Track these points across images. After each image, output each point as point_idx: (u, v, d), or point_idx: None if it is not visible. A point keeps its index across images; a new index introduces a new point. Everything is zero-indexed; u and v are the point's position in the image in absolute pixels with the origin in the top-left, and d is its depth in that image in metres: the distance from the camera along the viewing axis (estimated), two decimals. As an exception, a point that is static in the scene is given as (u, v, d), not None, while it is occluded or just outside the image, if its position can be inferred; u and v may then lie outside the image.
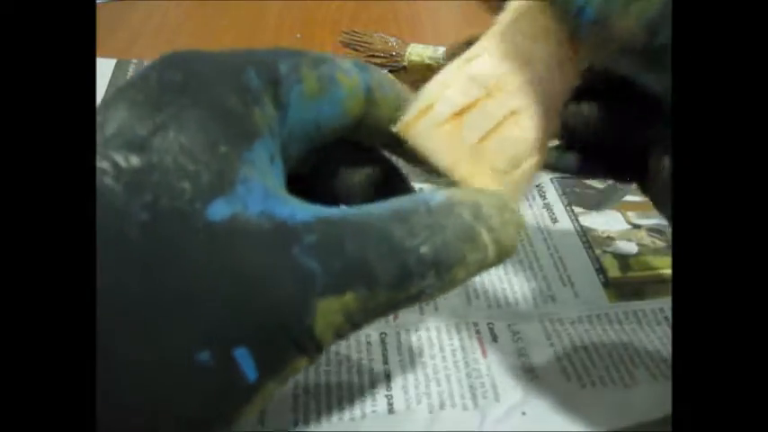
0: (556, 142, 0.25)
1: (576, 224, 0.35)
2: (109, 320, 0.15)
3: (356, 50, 0.42)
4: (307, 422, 0.26)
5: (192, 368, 0.16)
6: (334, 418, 0.26)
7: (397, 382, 0.27)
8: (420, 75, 0.38)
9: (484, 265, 0.18)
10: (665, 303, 0.30)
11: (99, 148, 0.16)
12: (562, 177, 0.38)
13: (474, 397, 0.26)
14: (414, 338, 0.29)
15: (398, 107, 0.20)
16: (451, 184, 0.19)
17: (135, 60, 0.47)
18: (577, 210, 0.36)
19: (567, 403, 0.26)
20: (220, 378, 0.16)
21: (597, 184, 0.38)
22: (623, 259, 0.33)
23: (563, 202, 0.37)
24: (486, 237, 0.18)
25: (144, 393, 0.16)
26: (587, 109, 0.24)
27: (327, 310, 0.16)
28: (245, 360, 0.16)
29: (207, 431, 0.17)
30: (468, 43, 0.21)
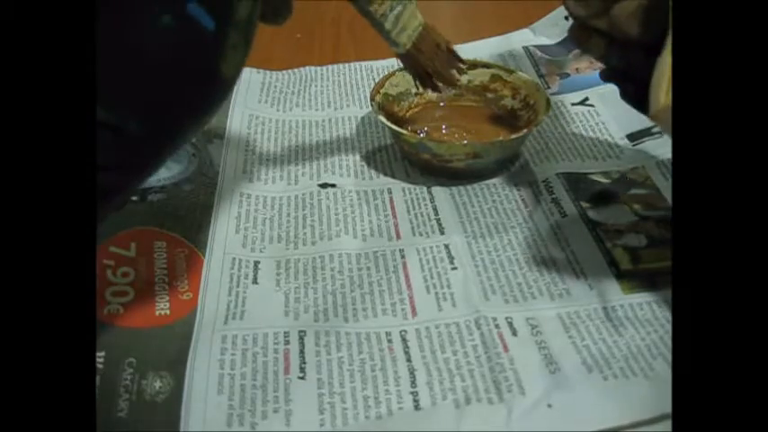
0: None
1: (585, 218, 0.36)
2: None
3: None
4: (333, 422, 0.26)
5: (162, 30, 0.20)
6: (361, 416, 0.26)
7: (422, 379, 0.27)
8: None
9: None
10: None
11: None
12: (568, 173, 0.39)
13: (499, 391, 0.27)
14: (434, 334, 0.30)
15: None
16: None
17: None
18: (585, 204, 0.37)
19: (593, 395, 0.26)
20: (186, 33, 0.21)
21: (603, 178, 0.39)
22: (634, 251, 0.33)
23: (570, 197, 0.37)
24: None
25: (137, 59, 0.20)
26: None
27: None
28: (198, 12, 0.21)
29: (202, 80, 0.22)
30: None
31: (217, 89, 0.23)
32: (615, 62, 0.31)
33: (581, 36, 0.31)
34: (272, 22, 0.29)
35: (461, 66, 0.39)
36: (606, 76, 0.32)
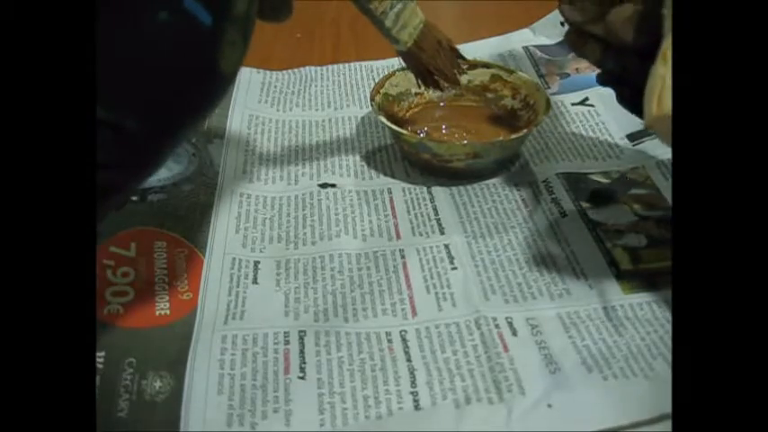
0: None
1: (585, 218, 0.36)
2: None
3: None
4: (333, 422, 0.26)
5: (159, 26, 0.20)
6: (361, 416, 0.26)
7: (422, 379, 0.27)
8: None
9: None
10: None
11: None
12: (568, 173, 0.39)
13: (499, 391, 0.27)
14: (434, 334, 0.29)
15: None
16: None
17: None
18: (584, 204, 0.37)
19: (593, 395, 0.26)
20: (183, 28, 0.21)
21: (603, 178, 0.39)
22: (634, 251, 0.33)
23: (570, 198, 0.37)
24: None
25: (135, 55, 0.20)
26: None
27: None
28: (195, 8, 0.20)
29: (200, 75, 0.22)
30: None
31: (216, 85, 0.23)
32: (611, 67, 0.31)
33: (577, 41, 0.31)
34: (271, 20, 0.29)
35: (463, 64, 0.39)
36: (603, 81, 0.32)
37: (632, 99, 0.30)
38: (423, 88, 0.40)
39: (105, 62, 0.19)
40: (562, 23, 0.32)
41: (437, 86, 0.38)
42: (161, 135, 0.22)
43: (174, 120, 0.22)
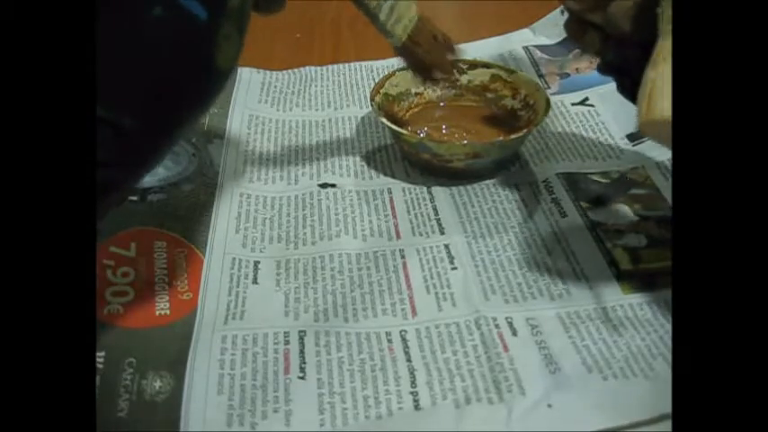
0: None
1: (585, 218, 0.36)
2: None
3: None
4: (333, 422, 0.26)
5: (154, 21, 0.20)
6: (361, 416, 0.26)
7: (422, 379, 0.27)
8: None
9: None
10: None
11: None
12: (568, 173, 0.39)
13: (499, 391, 0.27)
14: (434, 334, 0.30)
15: None
16: None
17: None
18: (584, 204, 0.37)
19: (593, 395, 0.26)
20: (179, 23, 0.21)
21: (603, 178, 0.39)
22: (634, 251, 0.33)
23: (570, 198, 0.37)
24: None
25: (131, 52, 0.20)
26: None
27: None
28: (190, 2, 0.20)
29: (196, 70, 0.22)
30: None
31: (213, 80, 0.23)
32: (611, 57, 0.31)
33: (576, 30, 0.31)
34: (264, 11, 0.29)
35: (463, 64, 0.38)
36: (603, 70, 0.32)
37: (632, 89, 0.30)
38: (422, 88, 0.40)
39: (101, 60, 0.19)
40: (562, 12, 0.32)
41: (434, 82, 0.38)
42: (159, 132, 0.22)
43: (172, 116, 0.22)
